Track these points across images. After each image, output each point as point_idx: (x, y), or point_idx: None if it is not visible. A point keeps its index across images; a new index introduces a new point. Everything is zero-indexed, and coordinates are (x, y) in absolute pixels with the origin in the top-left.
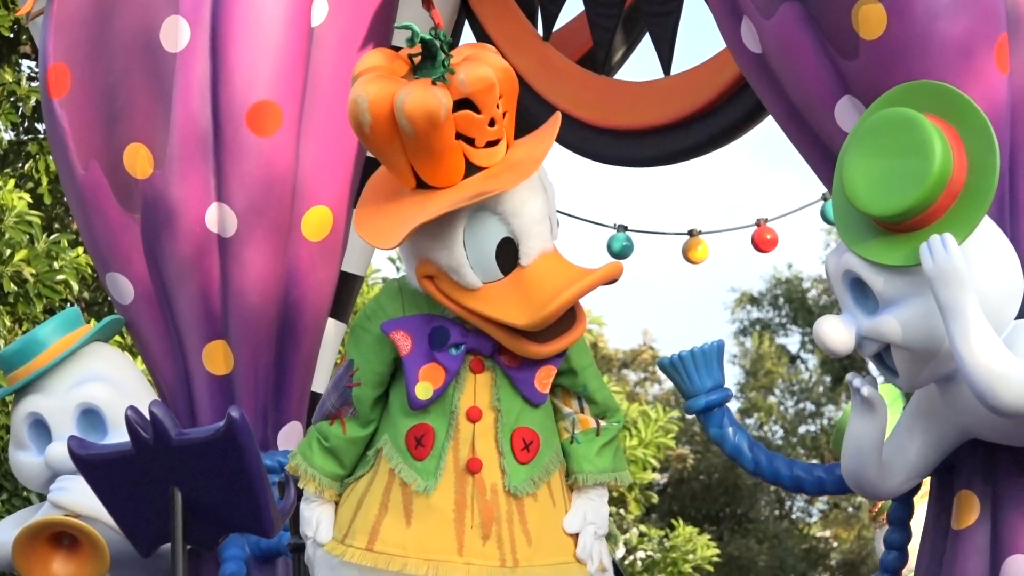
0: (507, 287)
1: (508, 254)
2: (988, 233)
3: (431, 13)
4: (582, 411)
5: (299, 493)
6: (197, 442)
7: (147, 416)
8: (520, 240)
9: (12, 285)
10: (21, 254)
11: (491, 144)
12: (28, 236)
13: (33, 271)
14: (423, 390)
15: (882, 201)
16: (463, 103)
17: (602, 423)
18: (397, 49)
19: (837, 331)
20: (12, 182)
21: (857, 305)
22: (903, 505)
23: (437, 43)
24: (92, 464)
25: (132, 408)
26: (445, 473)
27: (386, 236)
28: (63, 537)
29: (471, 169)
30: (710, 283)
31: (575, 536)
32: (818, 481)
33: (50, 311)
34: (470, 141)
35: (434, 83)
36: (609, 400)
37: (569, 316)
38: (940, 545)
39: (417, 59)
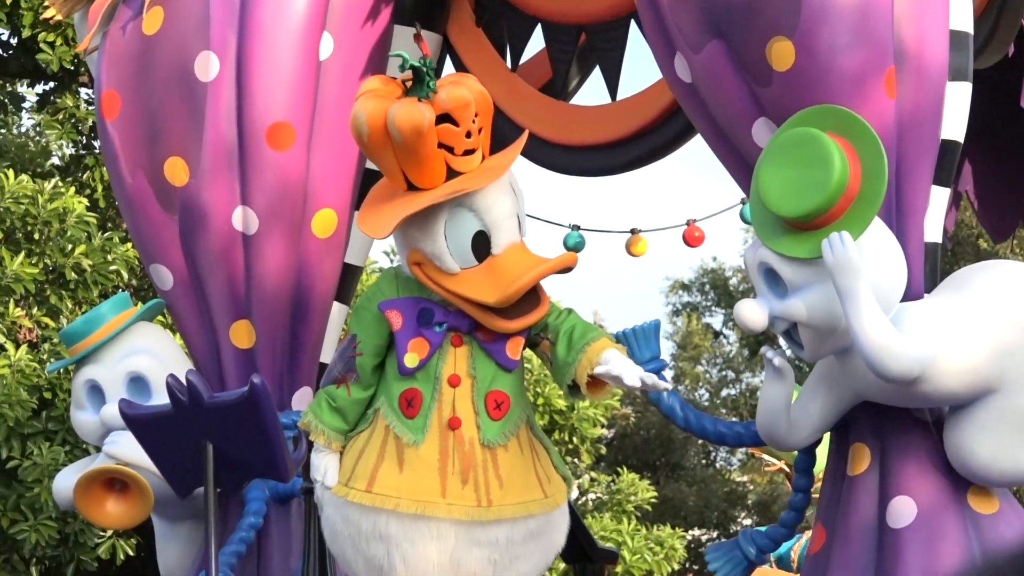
0: (481, 272)
1: (482, 244)
2: (878, 231)
3: (420, 45)
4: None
5: (310, 446)
6: (225, 404)
7: (184, 382)
8: (492, 232)
9: (73, 274)
10: (80, 248)
11: (468, 153)
12: (86, 234)
13: (90, 263)
14: (411, 359)
15: (791, 204)
16: (444, 118)
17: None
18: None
19: (753, 312)
20: (73, 189)
21: (770, 290)
22: (807, 455)
23: (424, 68)
24: (138, 422)
25: (172, 376)
26: (431, 429)
27: (380, 228)
28: (115, 482)
29: (451, 173)
30: (649, 272)
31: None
32: (737, 435)
33: (104, 296)
34: (450, 149)
35: (419, 100)
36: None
37: (534, 298)
38: (838, 488)
39: (408, 83)
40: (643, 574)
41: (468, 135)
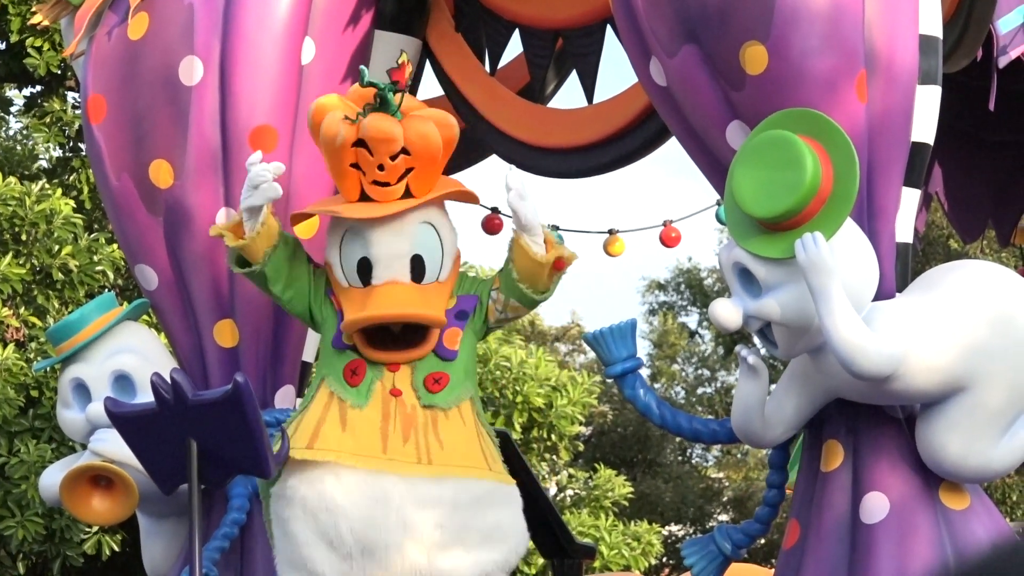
0: (359, 294)
1: (366, 271)
2: (850, 232)
3: (398, 71)
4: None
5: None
6: (209, 402)
7: (168, 381)
8: (374, 264)
9: (60, 275)
10: (67, 249)
11: (379, 184)
12: (73, 235)
13: (77, 263)
14: (347, 337)
15: (765, 205)
16: (363, 143)
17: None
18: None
19: (728, 311)
20: (60, 191)
21: (744, 290)
22: (781, 452)
23: (381, 89)
24: (124, 419)
25: (156, 374)
26: (374, 395)
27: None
28: (101, 479)
29: (364, 196)
30: (626, 272)
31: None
32: (712, 432)
33: (90, 296)
34: (364, 173)
35: (346, 119)
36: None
37: (416, 336)
38: (812, 484)
39: (377, 100)
40: (620, 569)
41: (381, 168)
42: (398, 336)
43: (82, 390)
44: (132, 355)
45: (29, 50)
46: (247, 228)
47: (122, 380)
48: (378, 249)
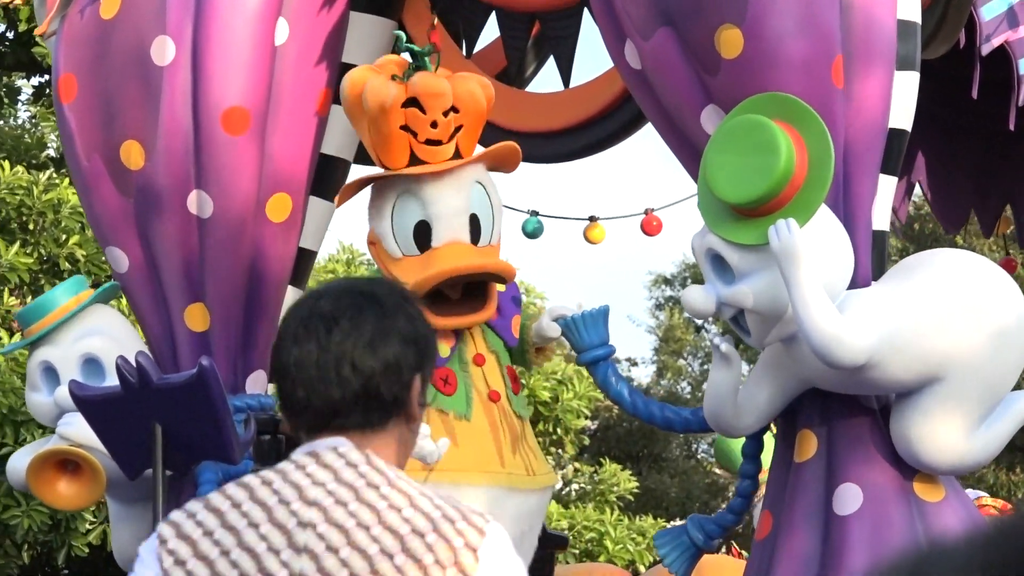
0: (418, 261)
1: (423, 235)
2: (825, 219)
3: (431, 34)
4: None
5: (258, 428)
6: (174, 385)
7: (133, 364)
8: (433, 225)
9: (67, 264)
10: (74, 239)
11: (432, 143)
12: (79, 224)
13: (84, 253)
14: (443, 349)
15: (738, 191)
16: (414, 102)
17: None
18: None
19: (700, 298)
20: (67, 180)
21: (717, 277)
22: (755, 442)
23: (419, 52)
24: (88, 403)
25: (121, 357)
26: (475, 403)
27: (337, 197)
28: (68, 463)
29: (415, 160)
30: (633, 266)
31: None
32: (685, 421)
33: (96, 285)
34: (415, 135)
35: (394, 79)
36: None
37: (478, 300)
38: (785, 474)
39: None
40: (625, 564)
41: (434, 125)
42: (457, 303)
43: (51, 373)
44: (101, 338)
45: (37, 39)
46: None
47: (91, 363)
48: (438, 207)
